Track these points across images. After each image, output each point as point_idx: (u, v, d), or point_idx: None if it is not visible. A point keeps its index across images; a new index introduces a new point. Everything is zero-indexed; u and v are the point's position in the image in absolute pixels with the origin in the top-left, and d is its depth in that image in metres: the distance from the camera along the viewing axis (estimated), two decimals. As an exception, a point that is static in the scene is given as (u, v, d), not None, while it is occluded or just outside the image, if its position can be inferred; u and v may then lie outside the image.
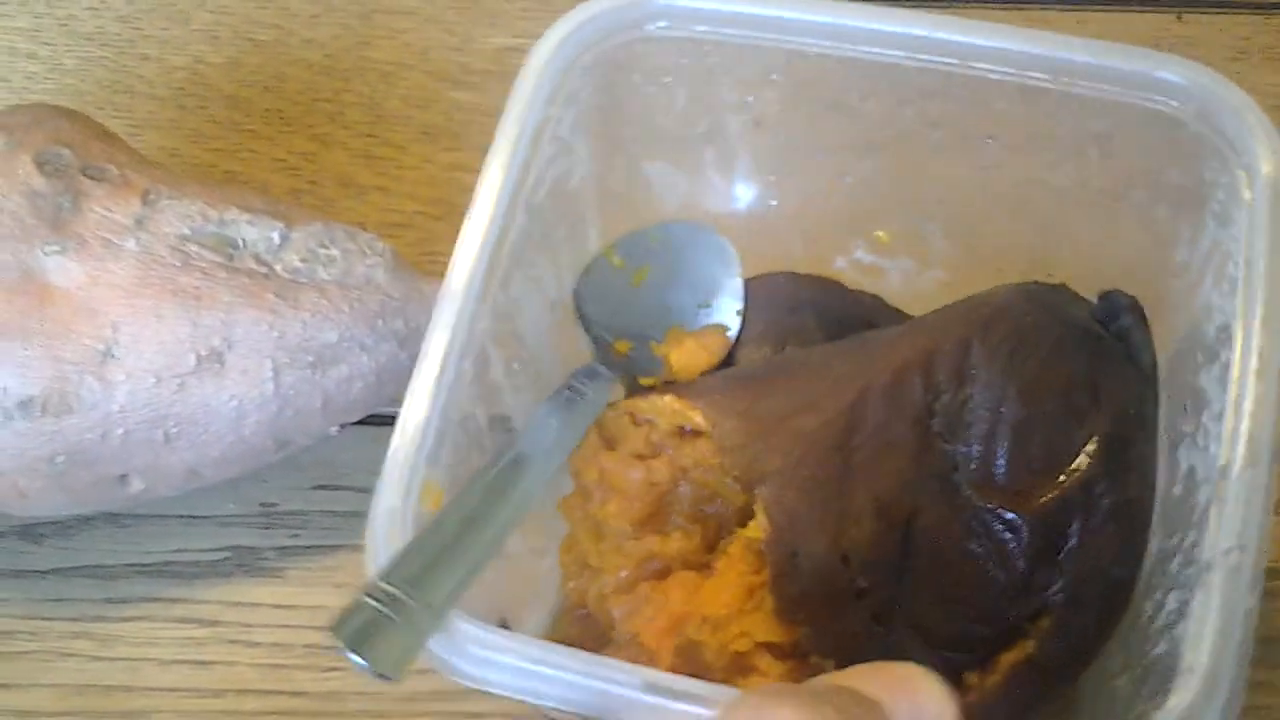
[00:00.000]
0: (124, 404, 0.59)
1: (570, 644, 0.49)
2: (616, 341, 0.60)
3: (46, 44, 0.84)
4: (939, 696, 0.41)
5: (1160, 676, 0.47)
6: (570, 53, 0.59)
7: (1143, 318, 0.57)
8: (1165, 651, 0.48)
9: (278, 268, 0.61)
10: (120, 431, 0.59)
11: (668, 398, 0.56)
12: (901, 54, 0.57)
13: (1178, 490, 0.53)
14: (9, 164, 0.60)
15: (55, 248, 0.59)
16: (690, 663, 0.51)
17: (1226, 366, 0.50)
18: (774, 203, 0.65)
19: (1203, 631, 0.46)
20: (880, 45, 0.57)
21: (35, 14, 0.85)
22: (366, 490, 0.64)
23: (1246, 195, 0.52)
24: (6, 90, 0.81)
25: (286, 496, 0.65)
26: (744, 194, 0.65)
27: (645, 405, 0.57)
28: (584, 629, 0.55)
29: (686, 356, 0.60)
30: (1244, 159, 0.53)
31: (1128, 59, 0.56)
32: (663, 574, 0.54)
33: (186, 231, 0.61)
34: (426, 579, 0.47)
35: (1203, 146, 0.55)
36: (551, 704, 0.46)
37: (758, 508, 0.53)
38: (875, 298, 0.63)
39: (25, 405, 0.58)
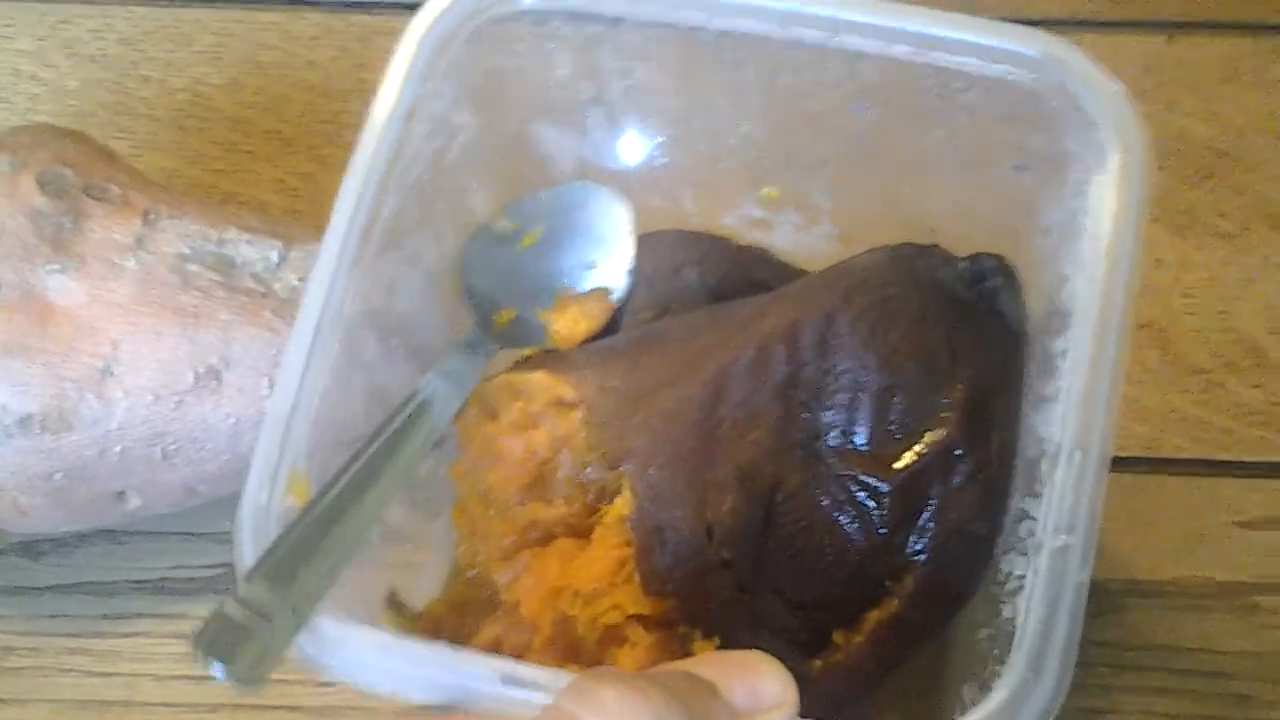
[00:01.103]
0: (123, 421, 0.60)
1: (460, 604, 0.51)
2: (500, 311, 0.60)
3: (49, 66, 0.85)
4: (779, 679, 0.41)
5: (1007, 639, 0.48)
6: (447, 27, 0.58)
7: (1013, 278, 0.57)
8: (1010, 616, 0.49)
9: (276, 286, 0.62)
10: (118, 449, 0.60)
11: (540, 373, 0.57)
12: (773, 27, 0.57)
13: (1032, 453, 0.53)
14: (12, 184, 0.60)
15: (56, 267, 0.59)
16: (565, 635, 0.52)
17: (1065, 340, 0.51)
18: (664, 160, 0.64)
19: (1029, 619, 0.47)
20: (753, 18, 0.57)
21: (38, 36, 0.86)
22: (363, 506, 0.66)
23: (1099, 169, 0.54)
24: (9, 111, 0.82)
25: (284, 513, 0.66)
26: (633, 154, 0.64)
27: (519, 379, 0.57)
28: (474, 590, 0.55)
29: (569, 323, 0.60)
30: (1102, 133, 0.55)
31: (995, 35, 0.57)
32: (544, 541, 0.55)
33: (186, 251, 0.62)
34: (289, 578, 0.46)
35: (1065, 119, 0.56)
36: (416, 696, 0.46)
37: (624, 484, 0.54)
38: (763, 251, 0.64)
39: (25, 422, 0.58)
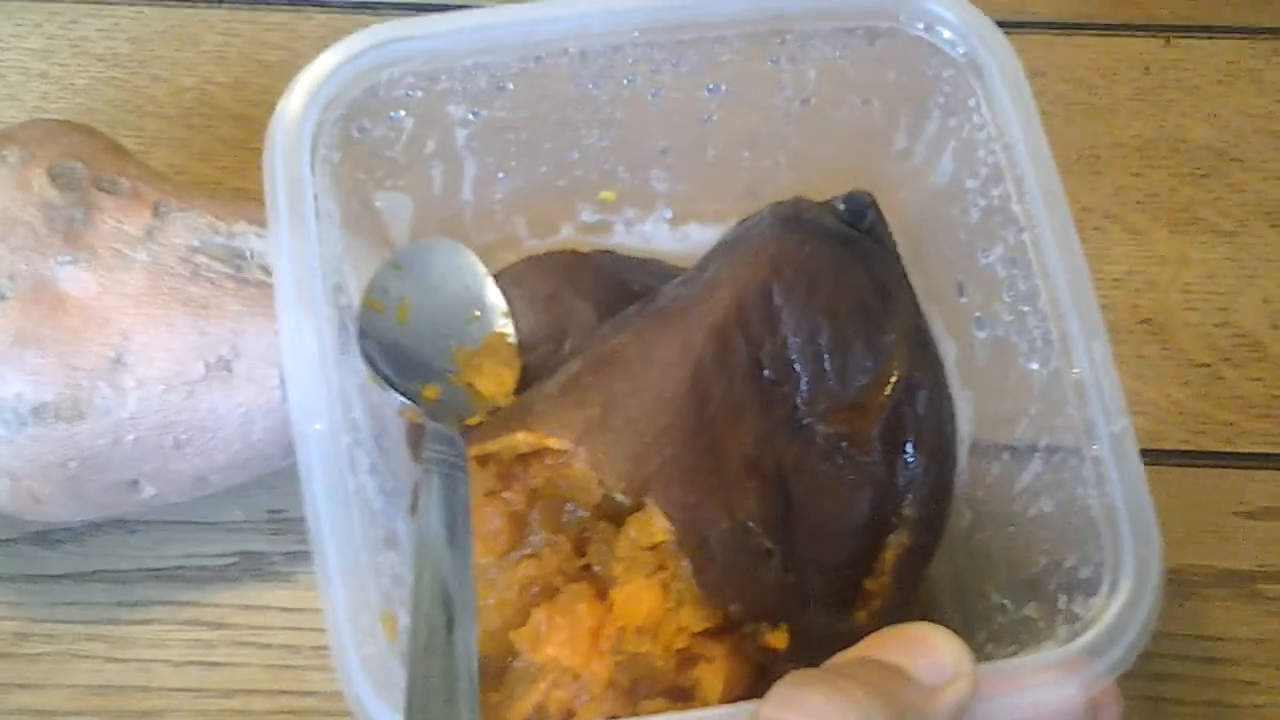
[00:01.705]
0: (135, 411, 0.60)
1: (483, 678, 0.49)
2: (424, 389, 0.59)
3: (59, 64, 0.85)
4: (953, 647, 0.42)
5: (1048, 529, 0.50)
6: (313, 117, 0.59)
7: (878, 209, 0.60)
8: (1040, 513, 0.52)
9: (285, 278, 0.63)
10: (131, 438, 0.60)
11: (520, 434, 0.55)
12: (635, 34, 0.59)
13: (994, 363, 0.56)
14: (23, 176, 0.61)
15: (68, 258, 0.60)
16: (636, 671, 0.52)
17: (1016, 248, 0.54)
18: (498, 196, 0.65)
19: (1115, 505, 0.49)
20: (613, 28, 0.59)
21: (48, 35, 0.87)
22: (372, 496, 0.66)
23: (977, 87, 0.56)
24: (19, 109, 0.83)
25: (294, 503, 0.65)
26: (470, 197, 0.65)
27: (496, 447, 0.56)
28: (493, 662, 0.54)
29: (490, 379, 0.60)
30: (967, 55, 0.57)
31: None
32: (549, 594, 0.54)
33: (195, 243, 0.62)
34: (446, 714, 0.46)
35: (920, 48, 0.58)
36: None
37: (653, 512, 0.53)
38: (608, 253, 0.65)
39: (39, 411, 0.59)
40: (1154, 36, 0.85)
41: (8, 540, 0.65)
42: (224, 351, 0.61)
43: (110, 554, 0.65)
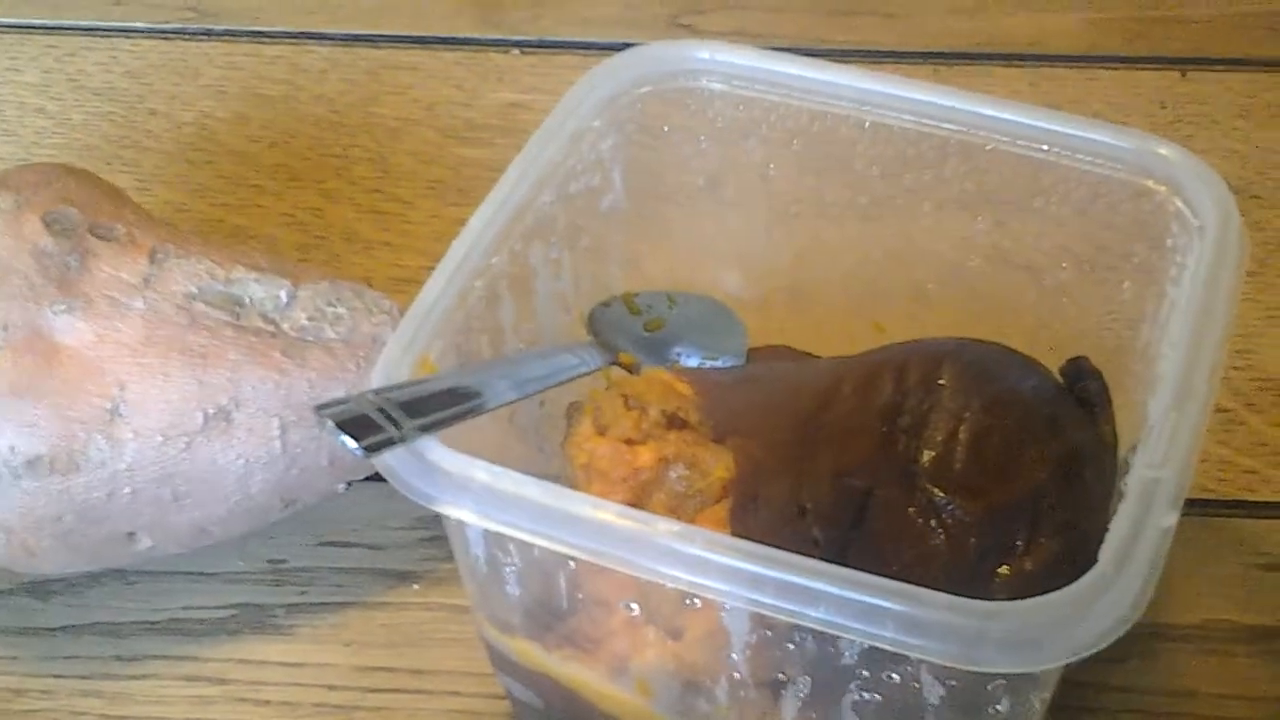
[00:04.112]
0: (131, 462, 0.59)
1: None
2: (620, 355, 0.62)
3: (55, 99, 0.84)
4: None
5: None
6: (620, 83, 0.61)
7: (1106, 389, 0.58)
8: None
9: (285, 326, 0.61)
10: (128, 490, 0.59)
11: (658, 370, 0.59)
12: (912, 119, 0.59)
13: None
14: (17, 224, 0.60)
15: (63, 307, 0.59)
16: None
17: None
18: (779, 280, 0.66)
19: (1114, 532, 0.47)
20: (895, 109, 0.59)
21: (44, 69, 0.86)
22: (375, 547, 0.66)
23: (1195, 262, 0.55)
24: (15, 145, 0.82)
25: (294, 553, 0.65)
26: (754, 260, 0.66)
27: (637, 382, 0.59)
28: None
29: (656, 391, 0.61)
30: (1199, 222, 0.56)
31: (1115, 135, 0.58)
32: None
33: (194, 290, 0.61)
34: (416, 409, 0.50)
35: (1168, 216, 0.57)
36: (516, 528, 0.49)
37: (727, 453, 0.55)
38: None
39: (33, 464, 0.58)
40: (1170, 69, 0.84)
41: (1, 592, 0.64)
42: (223, 401, 0.60)
43: (107, 606, 0.64)
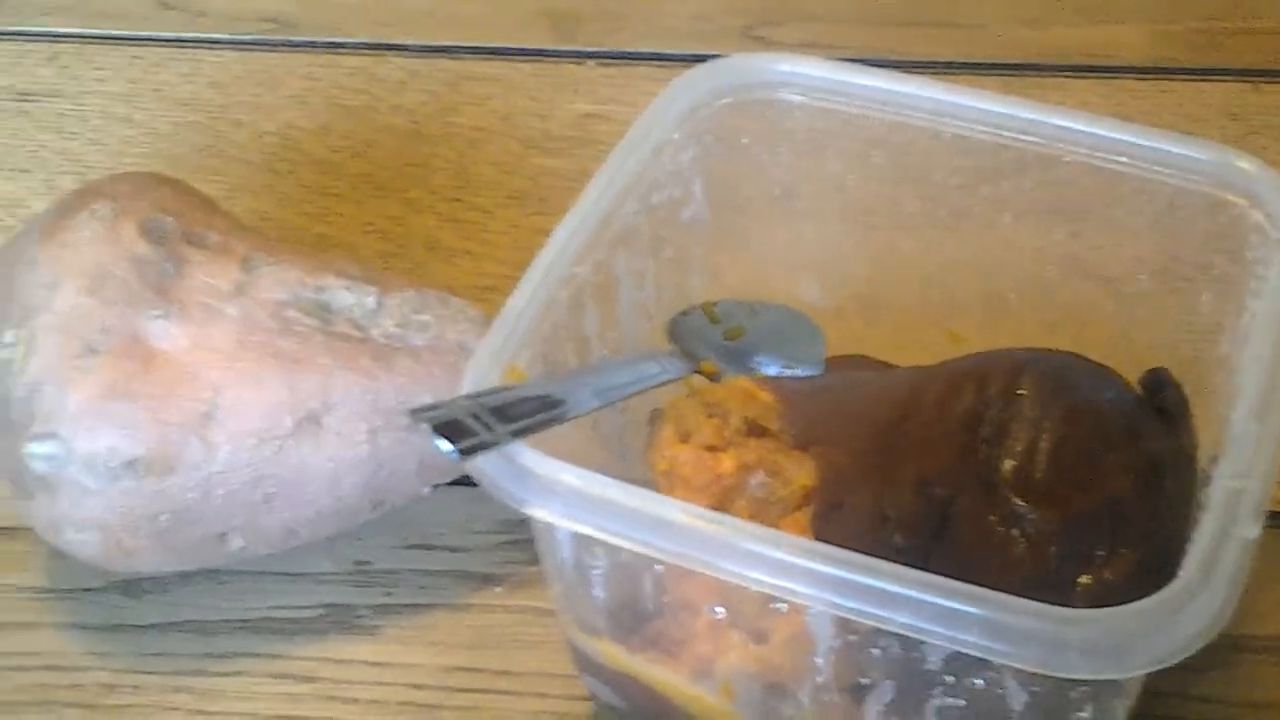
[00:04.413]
0: (225, 464, 0.60)
1: None
2: (702, 363, 0.63)
3: (142, 109, 0.86)
4: None
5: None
6: (701, 95, 0.62)
7: (1185, 400, 0.59)
8: None
9: (373, 333, 0.63)
10: (221, 492, 0.60)
11: (740, 378, 0.60)
12: (991, 131, 0.60)
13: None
14: (115, 231, 0.61)
15: (159, 312, 0.60)
16: None
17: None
18: (857, 289, 0.67)
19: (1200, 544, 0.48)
20: (974, 121, 0.60)
21: (130, 79, 0.88)
22: (459, 549, 0.67)
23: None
24: (103, 153, 0.84)
25: (381, 555, 0.67)
26: (831, 270, 0.67)
27: (719, 390, 0.60)
28: None
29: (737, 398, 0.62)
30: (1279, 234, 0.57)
31: (1193, 147, 0.59)
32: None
33: (285, 297, 0.62)
34: (507, 415, 0.52)
35: (1247, 228, 0.58)
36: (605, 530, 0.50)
37: (809, 460, 0.57)
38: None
39: (131, 465, 0.59)
40: (1241, 81, 0.84)
41: (94, 589, 0.66)
42: (313, 406, 0.61)
43: (197, 604, 0.65)
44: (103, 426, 0.59)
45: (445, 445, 0.50)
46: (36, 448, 0.59)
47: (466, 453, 0.50)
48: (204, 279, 0.61)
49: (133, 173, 0.66)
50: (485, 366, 0.53)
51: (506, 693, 0.63)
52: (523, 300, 0.56)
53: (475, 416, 0.51)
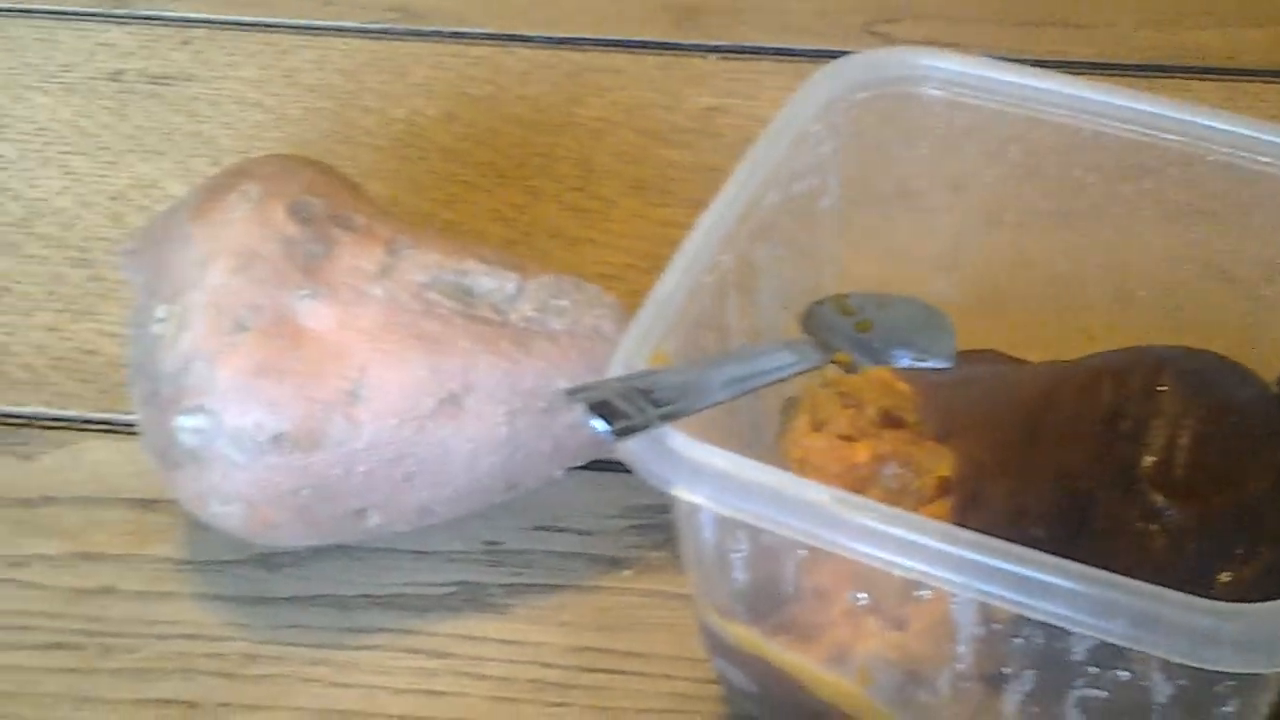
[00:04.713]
0: (368, 442, 0.61)
1: None
2: (836, 354, 0.64)
3: (272, 94, 0.88)
4: None
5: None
6: (841, 88, 0.63)
7: None
8: None
9: (512, 316, 0.64)
10: (363, 469, 0.62)
11: (878, 369, 0.61)
12: (1132, 128, 0.61)
13: None
14: (265, 212, 0.63)
15: (307, 292, 0.62)
16: None
17: None
18: (986, 285, 0.67)
19: None
20: (1115, 118, 0.61)
21: (261, 65, 0.89)
22: (588, 533, 0.68)
23: None
24: (235, 137, 0.85)
25: (510, 536, 0.68)
26: (964, 265, 0.67)
27: (855, 380, 0.61)
28: None
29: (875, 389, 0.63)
30: None
31: None
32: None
33: (427, 280, 0.64)
34: (656, 399, 0.53)
35: None
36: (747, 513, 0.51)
37: (949, 451, 0.57)
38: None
39: (277, 440, 0.61)
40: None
41: (232, 561, 0.67)
42: (454, 387, 0.62)
43: (333, 579, 0.66)
44: (251, 401, 0.60)
45: (601, 425, 0.51)
46: (186, 421, 0.61)
47: (621, 434, 0.51)
48: (350, 260, 0.63)
49: (279, 155, 0.68)
50: (634, 350, 0.54)
51: (635, 674, 0.64)
52: (670, 286, 0.56)
53: (627, 398, 0.52)
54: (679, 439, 0.52)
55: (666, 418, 0.52)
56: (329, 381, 0.61)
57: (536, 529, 0.68)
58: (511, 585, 0.66)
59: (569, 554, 0.67)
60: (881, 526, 0.49)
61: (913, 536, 0.49)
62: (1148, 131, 0.61)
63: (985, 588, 0.48)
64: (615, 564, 0.67)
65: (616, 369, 0.54)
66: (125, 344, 0.73)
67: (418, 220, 0.80)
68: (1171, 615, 0.46)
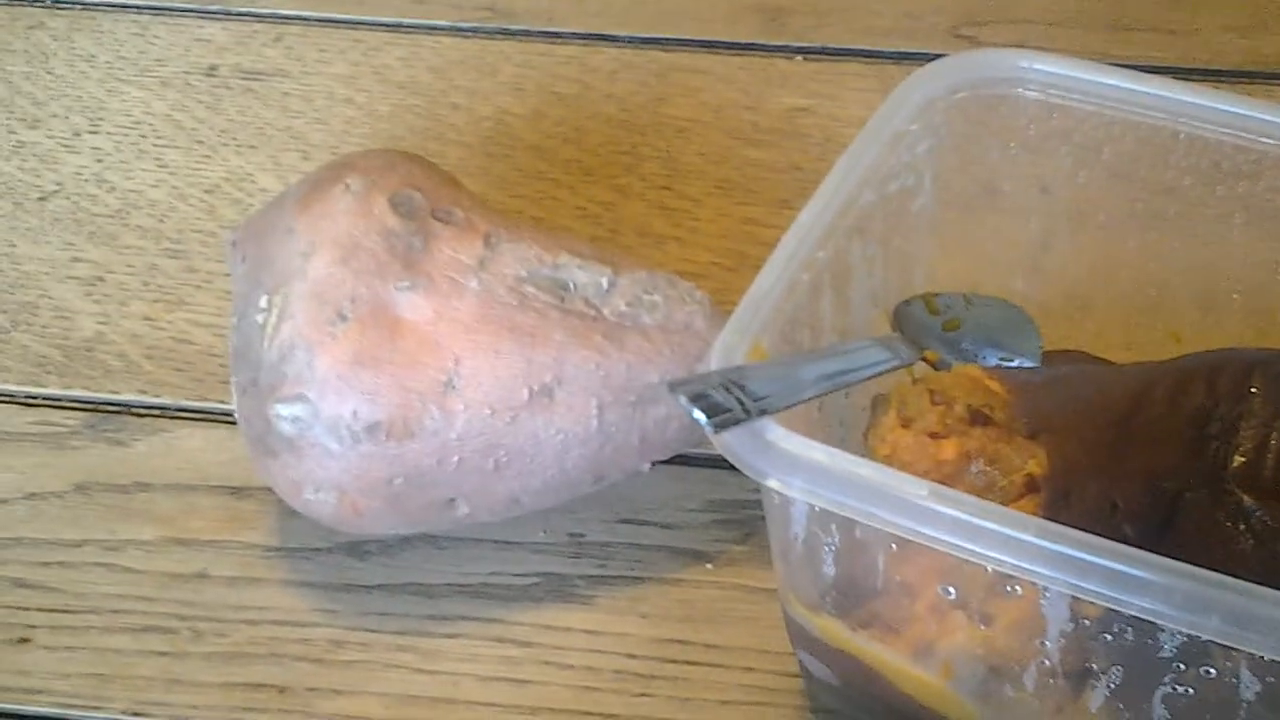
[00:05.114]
0: (461, 432, 0.62)
1: None
2: (925, 352, 0.64)
3: (362, 90, 0.89)
4: None
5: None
6: (939, 88, 0.63)
7: None
8: None
9: (605, 311, 0.65)
10: (455, 459, 0.63)
11: (969, 366, 0.62)
12: (1228, 132, 0.61)
13: None
14: (366, 204, 0.64)
15: (406, 284, 0.63)
16: None
17: None
18: (1080, 288, 0.68)
19: None
20: (1211, 122, 0.61)
21: (352, 62, 0.90)
22: (670, 526, 0.69)
23: None
24: (326, 133, 0.86)
25: (593, 528, 0.69)
26: (1053, 266, 0.68)
27: (945, 377, 0.61)
28: None
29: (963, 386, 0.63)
30: None
31: None
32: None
33: (523, 273, 0.64)
34: (753, 391, 0.53)
35: None
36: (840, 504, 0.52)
37: (1039, 449, 0.57)
38: None
39: (372, 429, 0.62)
40: None
41: (321, 549, 0.68)
42: (547, 379, 0.63)
43: (419, 568, 0.67)
44: (349, 391, 0.61)
45: (701, 417, 0.51)
46: (284, 409, 0.62)
47: (720, 426, 0.52)
48: (449, 253, 0.63)
49: (382, 149, 0.69)
50: (734, 344, 0.55)
51: (717, 665, 0.64)
52: (769, 281, 0.57)
53: (726, 391, 0.52)
54: (777, 432, 0.53)
55: (763, 411, 0.53)
56: (425, 372, 0.62)
57: (620, 521, 0.69)
58: (594, 577, 0.67)
59: (652, 546, 0.68)
60: (977, 520, 0.50)
61: (1008, 531, 0.49)
62: (1242, 135, 0.61)
63: (1079, 582, 0.49)
64: (697, 557, 0.68)
65: (715, 362, 0.55)
66: (218, 334, 0.75)
67: (513, 215, 0.81)
68: (1264, 611, 0.47)
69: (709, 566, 0.67)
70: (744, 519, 0.68)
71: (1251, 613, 0.47)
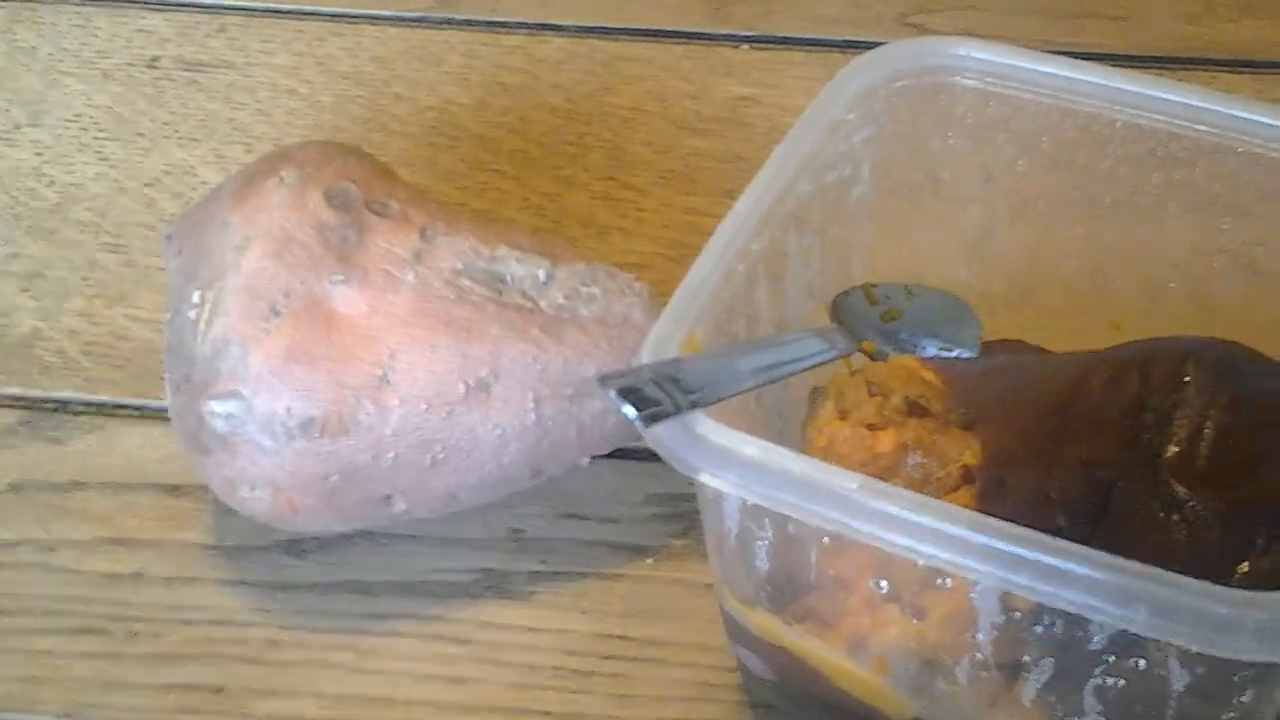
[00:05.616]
0: (396, 428, 0.62)
1: None
2: (863, 343, 0.64)
3: (305, 81, 0.88)
4: None
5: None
6: (876, 77, 0.63)
7: None
8: None
9: (543, 304, 0.64)
10: (391, 455, 0.62)
11: (905, 357, 0.62)
12: (1164, 119, 0.60)
13: None
14: (300, 197, 0.63)
15: (340, 277, 0.62)
16: None
17: None
18: (1018, 277, 0.68)
19: None
20: (1148, 110, 0.61)
21: (295, 52, 0.90)
22: (611, 520, 0.68)
23: None
24: (268, 124, 0.86)
25: (534, 524, 0.68)
26: (992, 255, 0.68)
27: (882, 368, 0.61)
28: None
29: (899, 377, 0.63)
30: None
31: None
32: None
33: (459, 266, 0.64)
34: (684, 385, 0.53)
35: None
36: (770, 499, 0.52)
37: (974, 439, 0.57)
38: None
39: (306, 425, 0.61)
40: None
41: (258, 547, 0.67)
42: (483, 374, 0.63)
43: (358, 565, 0.67)
44: (282, 387, 0.61)
45: (631, 411, 0.51)
46: (218, 406, 0.61)
47: (650, 420, 0.51)
48: (385, 246, 0.63)
49: (318, 141, 0.68)
50: (667, 336, 0.54)
51: (656, 661, 0.64)
52: (703, 272, 0.56)
53: (657, 385, 0.52)
54: (707, 425, 0.52)
55: (695, 404, 0.53)
56: (359, 367, 0.62)
57: (560, 516, 0.68)
58: (535, 573, 0.67)
59: (592, 542, 0.67)
60: (908, 514, 0.49)
61: (938, 524, 0.49)
62: (1179, 123, 0.60)
63: (1009, 576, 0.48)
64: (638, 552, 0.67)
65: (647, 355, 0.54)
66: (158, 329, 0.74)
67: (450, 207, 0.80)
68: (1191, 604, 0.46)
69: (649, 561, 0.67)
70: (684, 513, 0.68)
71: (1178, 605, 0.46)
